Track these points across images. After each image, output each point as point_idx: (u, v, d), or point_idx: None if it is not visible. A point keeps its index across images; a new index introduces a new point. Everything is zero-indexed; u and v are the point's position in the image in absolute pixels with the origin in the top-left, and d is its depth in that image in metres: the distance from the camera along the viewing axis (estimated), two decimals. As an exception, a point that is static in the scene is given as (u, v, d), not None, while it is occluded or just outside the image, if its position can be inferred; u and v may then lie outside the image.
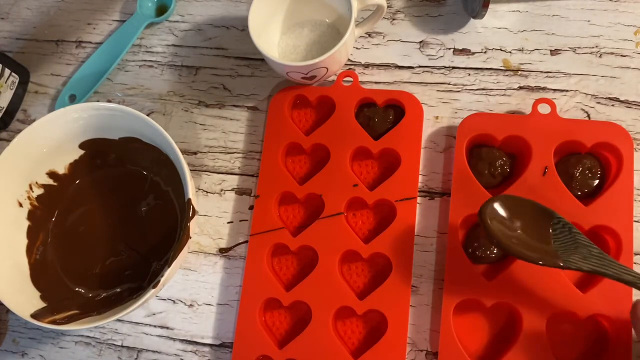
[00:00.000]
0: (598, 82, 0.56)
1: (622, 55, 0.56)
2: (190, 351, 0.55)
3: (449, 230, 0.52)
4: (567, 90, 0.56)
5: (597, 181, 0.52)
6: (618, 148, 0.51)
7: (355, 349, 0.52)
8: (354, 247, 0.53)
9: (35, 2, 0.69)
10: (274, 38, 0.60)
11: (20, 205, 0.55)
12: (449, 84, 0.58)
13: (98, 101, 0.63)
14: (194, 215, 0.50)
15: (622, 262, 0.48)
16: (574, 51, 0.57)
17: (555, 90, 0.56)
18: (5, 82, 0.62)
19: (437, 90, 0.58)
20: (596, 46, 0.57)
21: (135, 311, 0.56)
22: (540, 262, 0.43)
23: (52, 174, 0.57)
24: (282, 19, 0.59)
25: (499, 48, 0.58)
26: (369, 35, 0.61)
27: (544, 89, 0.56)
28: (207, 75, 0.63)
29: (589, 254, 0.43)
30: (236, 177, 0.59)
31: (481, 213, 0.45)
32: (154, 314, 0.57)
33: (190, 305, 0.56)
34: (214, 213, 0.58)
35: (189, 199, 0.50)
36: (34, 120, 0.55)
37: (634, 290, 0.48)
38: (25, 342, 0.58)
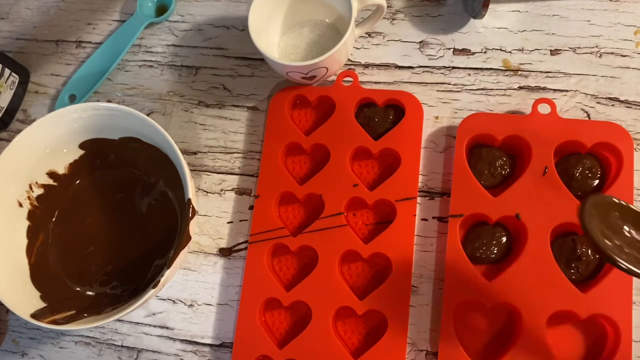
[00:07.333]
0: (598, 82, 0.56)
1: (622, 55, 0.56)
2: (190, 351, 0.55)
3: (449, 230, 0.52)
4: (567, 90, 0.56)
5: (597, 181, 0.52)
6: (618, 148, 0.51)
7: (355, 349, 0.52)
8: (354, 247, 0.53)
9: (35, 2, 0.69)
10: (274, 38, 0.60)
11: (20, 205, 0.55)
12: (449, 84, 0.58)
13: (98, 101, 0.63)
14: (194, 215, 0.50)
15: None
16: (574, 51, 0.57)
17: (555, 90, 0.56)
18: (5, 82, 0.62)
19: (437, 90, 0.58)
20: (596, 46, 0.57)
21: (135, 311, 0.56)
22: None
23: (52, 174, 0.57)
24: (282, 19, 0.59)
25: (499, 48, 0.58)
26: (369, 35, 0.61)
27: (544, 89, 0.56)
28: (207, 75, 0.63)
29: None
30: (236, 177, 0.59)
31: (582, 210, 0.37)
32: (154, 314, 0.57)
33: (190, 305, 0.56)
34: (214, 213, 0.58)
35: (189, 199, 0.50)
36: (34, 120, 0.55)
37: (634, 290, 0.48)
38: (25, 342, 0.58)
